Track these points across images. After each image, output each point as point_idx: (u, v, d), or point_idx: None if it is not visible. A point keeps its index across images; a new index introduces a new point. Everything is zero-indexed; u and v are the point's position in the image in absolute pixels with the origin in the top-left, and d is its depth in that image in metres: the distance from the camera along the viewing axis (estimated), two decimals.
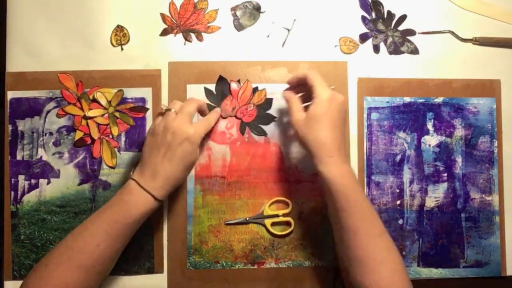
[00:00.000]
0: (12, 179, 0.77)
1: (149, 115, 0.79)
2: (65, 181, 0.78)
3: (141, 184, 0.67)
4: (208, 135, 0.77)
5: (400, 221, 0.80)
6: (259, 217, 0.78)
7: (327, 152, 0.66)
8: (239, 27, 0.81)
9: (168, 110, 0.70)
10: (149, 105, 0.79)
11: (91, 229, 0.66)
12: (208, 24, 0.81)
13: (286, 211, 0.78)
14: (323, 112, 0.67)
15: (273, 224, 0.78)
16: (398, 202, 0.81)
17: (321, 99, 0.68)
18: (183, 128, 0.68)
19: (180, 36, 0.80)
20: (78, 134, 0.78)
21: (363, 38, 0.82)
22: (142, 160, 0.69)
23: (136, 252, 0.77)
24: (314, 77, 0.70)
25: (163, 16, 0.80)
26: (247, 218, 0.78)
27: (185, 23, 0.80)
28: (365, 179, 0.80)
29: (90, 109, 0.78)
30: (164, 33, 0.80)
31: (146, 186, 0.66)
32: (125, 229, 0.66)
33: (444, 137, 0.81)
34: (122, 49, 0.80)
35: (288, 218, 0.78)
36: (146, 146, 0.70)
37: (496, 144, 0.82)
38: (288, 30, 0.81)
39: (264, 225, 0.78)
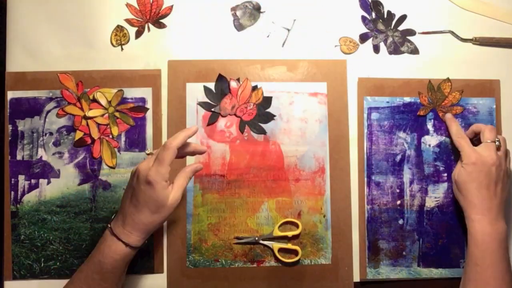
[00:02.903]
0: (12, 179, 0.77)
1: (149, 115, 0.79)
2: (65, 181, 0.78)
3: (113, 230, 0.65)
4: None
5: (400, 221, 0.80)
6: (269, 238, 0.78)
7: (474, 211, 0.72)
8: (239, 27, 0.81)
9: (150, 154, 0.68)
10: (149, 105, 0.79)
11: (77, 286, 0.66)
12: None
13: (296, 232, 0.78)
14: (467, 177, 0.73)
15: (280, 250, 0.78)
16: (398, 202, 0.80)
17: (466, 163, 0.73)
18: (144, 169, 0.63)
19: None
20: (78, 134, 0.78)
21: (363, 38, 0.82)
22: (120, 205, 0.67)
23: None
24: (459, 139, 0.76)
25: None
26: (256, 238, 0.78)
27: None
28: (365, 179, 0.80)
29: (90, 109, 0.78)
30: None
31: (117, 232, 0.64)
32: (105, 279, 0.65)
33: (444, 137, 0.81)
34: (122, 49, 0.80)
35: (296, 247, 0.77)
36: (124, 190, 0.68)
37: None
38: (288, 30, 0.81)
39: (272, 250, 0.78)
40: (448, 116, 0.79)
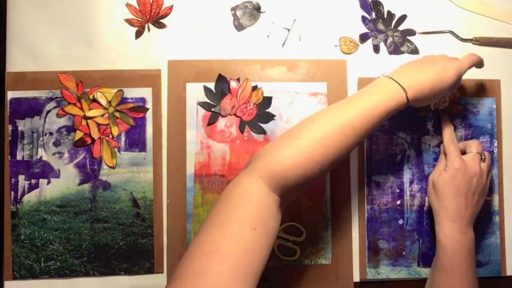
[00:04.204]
0: (12, 179, 0.77)
1: (149, 115, 0.79)
2: (65, 181, 0.78)
3: (395, 79, 0.67)
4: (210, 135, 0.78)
5: (400, 221, 0.80)
6: None
7: (446, 216, 0.71)
8: (239, 27, 0.81)
9: None
10: (149, 105, 0.79)
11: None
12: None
13: (299, 239, 0.78)
14: (447, 182, 0.72)
15: (279, 246, 0.78)
16: (398, 202, 0.80)
17: (450, 167, 0.72)
18: None
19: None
20: (78, 134, 0.78)
21: (363, 38, 0.82)
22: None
23: (136, 252, 0.77)
24: (449, 144, 0.75)
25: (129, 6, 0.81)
26: None
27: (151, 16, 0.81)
28: (365, 179, 0.80)
29: (90, 109, 0.78)
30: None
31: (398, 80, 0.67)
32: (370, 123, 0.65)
33: None
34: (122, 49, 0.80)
35: (295, 247, 0.78)
36: None
37: (496, 144, 0.82)
38: (288, 30, 0.81)
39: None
40: (445, 119, 0.79)
